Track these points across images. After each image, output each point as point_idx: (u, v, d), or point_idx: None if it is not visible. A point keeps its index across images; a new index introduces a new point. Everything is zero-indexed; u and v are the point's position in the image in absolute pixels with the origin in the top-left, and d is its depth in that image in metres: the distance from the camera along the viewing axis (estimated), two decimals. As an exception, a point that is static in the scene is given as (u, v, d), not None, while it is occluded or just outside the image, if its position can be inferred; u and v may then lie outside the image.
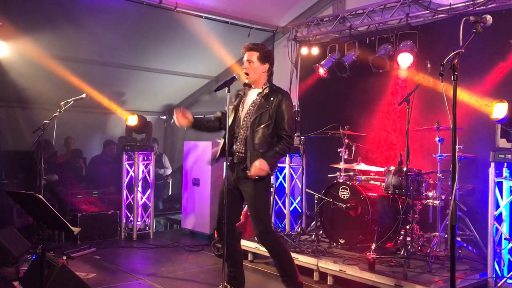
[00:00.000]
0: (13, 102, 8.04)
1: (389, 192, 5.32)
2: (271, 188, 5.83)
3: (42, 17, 6.45)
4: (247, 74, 4.14)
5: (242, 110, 4.20)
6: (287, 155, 6.67)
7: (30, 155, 6.81)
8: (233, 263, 4.37)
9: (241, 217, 6.02)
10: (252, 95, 4.21)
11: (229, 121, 4.16)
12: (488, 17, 2.76)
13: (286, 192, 6.76)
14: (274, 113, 4.04)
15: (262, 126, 4.03)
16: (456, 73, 2.62)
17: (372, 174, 5.87)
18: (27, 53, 6.87)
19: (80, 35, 7.03)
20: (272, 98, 4.08)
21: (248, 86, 4.25)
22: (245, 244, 5.74)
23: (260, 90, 4.18)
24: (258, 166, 3.93)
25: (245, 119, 4.15)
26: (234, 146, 4.16)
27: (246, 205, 4.29)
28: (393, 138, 6.22)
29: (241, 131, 4.15)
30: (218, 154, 4.32)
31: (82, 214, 6.85)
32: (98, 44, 7.41)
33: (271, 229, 4.30)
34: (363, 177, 5.83)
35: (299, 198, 6.76)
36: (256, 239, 5.40)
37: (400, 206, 5.27)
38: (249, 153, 4.03)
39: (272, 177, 5.65)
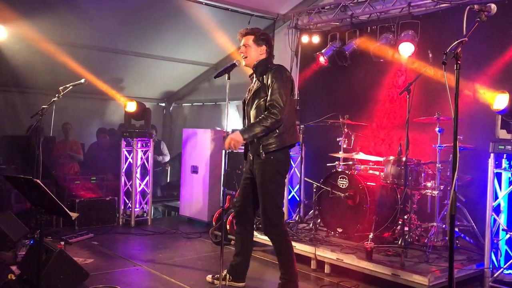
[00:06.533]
0: (11, 86, 8.00)
1: (388, 181, 5.33)
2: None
3: (41, 1, 6.37)
4: (245, 58, 4.15)
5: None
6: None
7: (28, 140, 6.79)
8: (240, 252, 4.30)
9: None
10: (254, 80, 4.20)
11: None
12: (493, 6, 2.73)
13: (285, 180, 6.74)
14: (265, 88, 3.97)
15: (256, 105, 4.02)
16: (459, 62, 2.59)
17: (371, 163, 5.86)
18: (26, 37, 6.82)
19: (79, 20, 6.97)
20: (265, 76, 4.03)
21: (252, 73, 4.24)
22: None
23: None
24: (232, 137, 3.87)
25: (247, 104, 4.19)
26: None
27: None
28: (393, 127, 6.20)
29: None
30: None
31: (80, 200, 6.84)
32: (97, 30, 7.35)
33: (277, 222, 4.02)
34: (362, 167, 5.82)
35: (297, 186, 6.75)
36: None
37: (399, 196, 5.28)
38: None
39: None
